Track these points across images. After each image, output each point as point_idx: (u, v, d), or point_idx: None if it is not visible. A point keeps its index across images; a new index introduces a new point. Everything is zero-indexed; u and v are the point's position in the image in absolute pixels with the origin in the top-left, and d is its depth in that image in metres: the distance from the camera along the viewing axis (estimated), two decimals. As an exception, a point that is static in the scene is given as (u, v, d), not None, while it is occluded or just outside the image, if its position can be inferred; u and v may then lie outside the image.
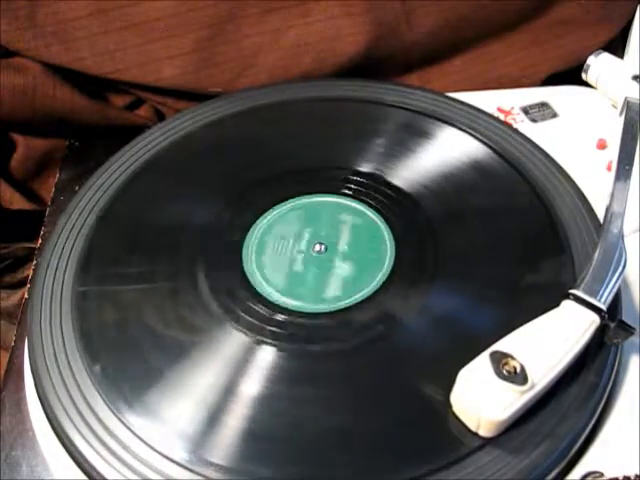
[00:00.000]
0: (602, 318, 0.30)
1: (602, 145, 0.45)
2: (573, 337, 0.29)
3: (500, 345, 0.29)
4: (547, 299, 0.31)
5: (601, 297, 0.30)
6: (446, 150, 0.41)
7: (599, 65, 0.46)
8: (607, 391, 0.31)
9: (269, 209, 0.38)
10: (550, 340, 0.29)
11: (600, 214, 0.36)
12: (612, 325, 0.30)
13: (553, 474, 0.29)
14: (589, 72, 0.47)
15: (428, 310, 0.33)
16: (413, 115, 0.43)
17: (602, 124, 0.46)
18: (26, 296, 0.38)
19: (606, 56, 0.46)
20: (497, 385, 0.28)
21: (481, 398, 0.28)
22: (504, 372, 0.28)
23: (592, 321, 0.30)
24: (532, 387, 0.28)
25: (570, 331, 0.30)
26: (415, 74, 0.51)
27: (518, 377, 0.28)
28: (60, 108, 0.46)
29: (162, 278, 0.35)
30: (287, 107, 0.45)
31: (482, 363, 0.28)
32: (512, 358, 0.28)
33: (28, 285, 0.39)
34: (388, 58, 0.50)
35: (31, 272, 0.39)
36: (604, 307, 0.30)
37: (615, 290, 0.31)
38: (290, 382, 0.31)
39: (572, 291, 0.31)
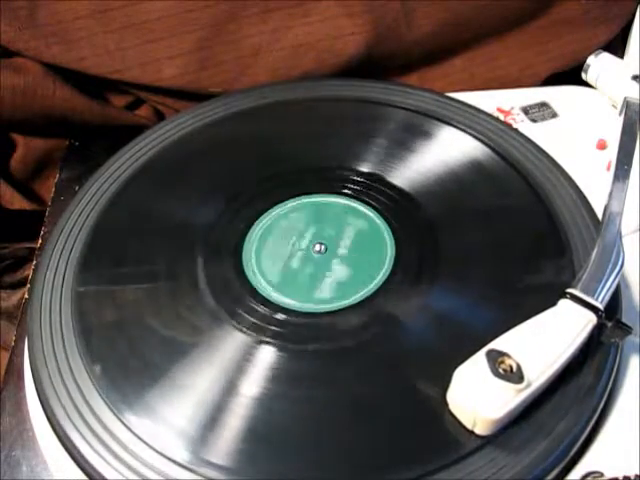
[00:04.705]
0: (599, 317, 0.30)
1: (602, 145, 0.45)
2: (570, 336, 0.29)
3: (496, 344, 0.29)
4: (547, 299, 0.31)
5: (598, 296, 0.30)
6: (446, 150, 0.41)
7: (599, 65, 0.46)
8: (607, 391, 0.31)
9: (269, 209, 0.38)
10: (547, 339, 0.29)
11: (600, 214, 0.36)
12: (609, 324, 0.30)
13: (553, 474, 0.29)
14: (589, 72, 0.47)
15: (428, 310, 0.33)
16: (413, 115, 0.43)
17: (602, 124, 0.46)
18: (26, 296, 0.38)
19: (606, 56, 0.46)
20: (493, 383, 0.28)
21: (477, 396, 0.28)
22: (500, 370, 0.28)
23: (589, 320, 0.30)
24: (528, 386, 0.28)
25: (567, 330, 0.30)
26: (415, 74, 0.51)
27: (514, 376, 0.28)
28: (60, 108, 0.46)
29: (162, 278, 0.35)
30: (287, 107, 0.45)
31: (478, 361, 0.28)
32: (508, 357, 0.28)
33: (28, 285, 0.39)
34: (388, 58, 0.50)
35: (31, 272, 0.39)
36: (601, 306, 0.30)
37: (612, 289, 0.31)
38: (290, 382, 0.31)
39: (569, 290, 0.31)
